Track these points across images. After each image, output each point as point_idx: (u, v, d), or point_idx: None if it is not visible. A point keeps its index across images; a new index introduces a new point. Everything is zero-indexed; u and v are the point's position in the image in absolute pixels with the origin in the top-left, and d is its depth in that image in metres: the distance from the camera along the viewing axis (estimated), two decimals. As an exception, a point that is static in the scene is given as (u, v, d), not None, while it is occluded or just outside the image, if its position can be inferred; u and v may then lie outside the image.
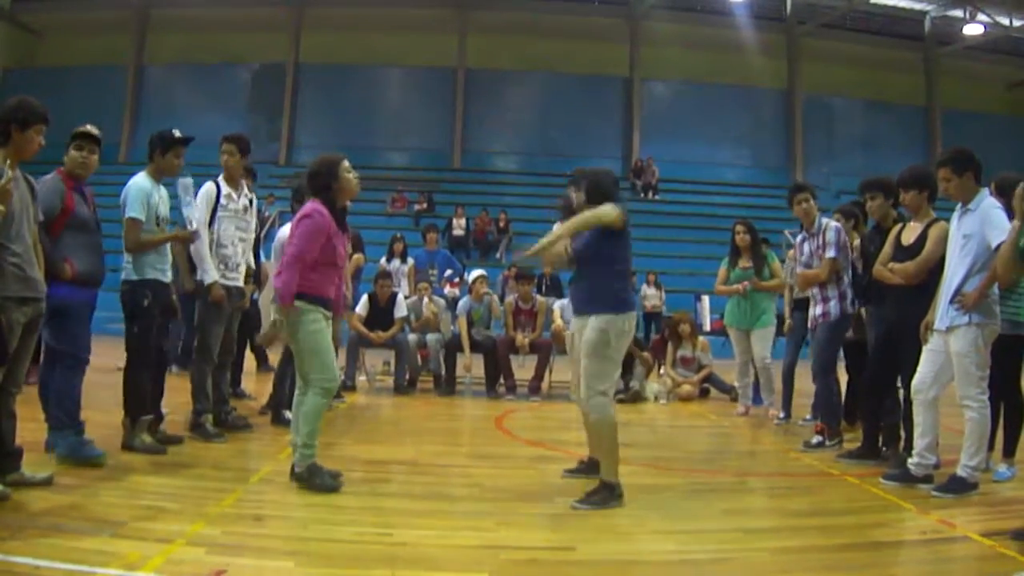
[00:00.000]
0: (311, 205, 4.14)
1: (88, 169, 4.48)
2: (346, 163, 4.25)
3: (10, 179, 3.50)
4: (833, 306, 5.80)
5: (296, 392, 4.28)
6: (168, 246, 5.03)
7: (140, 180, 4.84)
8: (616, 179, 4.56)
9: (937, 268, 4.67)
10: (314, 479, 4.03)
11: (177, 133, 4.98)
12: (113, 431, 4.82)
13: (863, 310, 5.77)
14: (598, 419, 4.09)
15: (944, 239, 4.61)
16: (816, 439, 5.74)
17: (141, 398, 4.81)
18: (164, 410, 5.22)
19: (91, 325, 4.54)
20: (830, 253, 5.80)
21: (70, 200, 4.33)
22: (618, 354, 4.12)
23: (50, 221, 4.20)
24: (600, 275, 4.19)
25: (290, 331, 4.11)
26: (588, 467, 4.53)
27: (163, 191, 4.97)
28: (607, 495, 3.95)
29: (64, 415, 4.31)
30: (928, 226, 4.83)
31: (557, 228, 4.28)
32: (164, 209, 4.93)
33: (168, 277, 4.97)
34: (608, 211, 4.10)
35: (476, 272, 9.03)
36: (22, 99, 3.74)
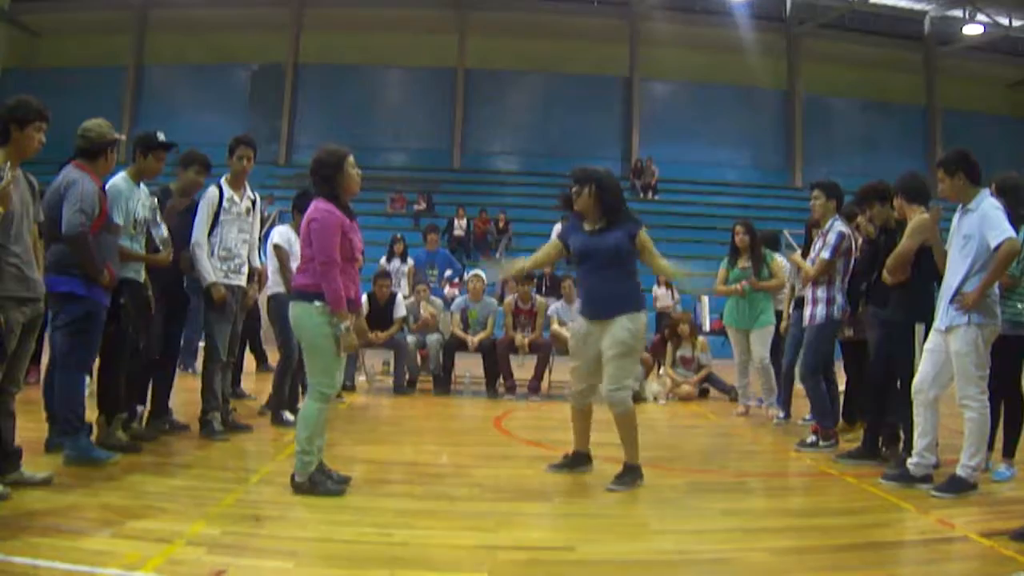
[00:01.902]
0: (316, 206, 4.01)
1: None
2: (351, 158, 4.14)
3: (10, 180, 3.51)
4: (820, 309, 5.77)
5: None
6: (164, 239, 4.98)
7: (118, 182, 4.74)
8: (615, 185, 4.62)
9: (921, 264, 4.75)
10: (316, 489, 3.95)
11: (161, 136, 4.91)
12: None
13: (863, 309, 5.76)
14: (623, 411, 4.41)
15: (917, 231, 4.74)
16: (811, 439, 5.76)
17: (116, 396, 4.78)
18: (139, 408, 5.24)
19: None
20: (824, 254, 5.78)
21: (104, 202, 4.33)
22: (641, 351, 4.43)
23: (92, 223, 4.19)
24: (627, 276, 4.46)
25: (303, 330, 4.04)
26: (573, 461, 4.72)
27: (141, 193, 4.87)
28: (634, 475, 4.38)
29: (75, 419, 4.28)
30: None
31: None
32: (142, 212, 4.82)
33: (142, 276, 4.88)
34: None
35: (472, 272, 9.04)
36: (20, 98, 3.74)
